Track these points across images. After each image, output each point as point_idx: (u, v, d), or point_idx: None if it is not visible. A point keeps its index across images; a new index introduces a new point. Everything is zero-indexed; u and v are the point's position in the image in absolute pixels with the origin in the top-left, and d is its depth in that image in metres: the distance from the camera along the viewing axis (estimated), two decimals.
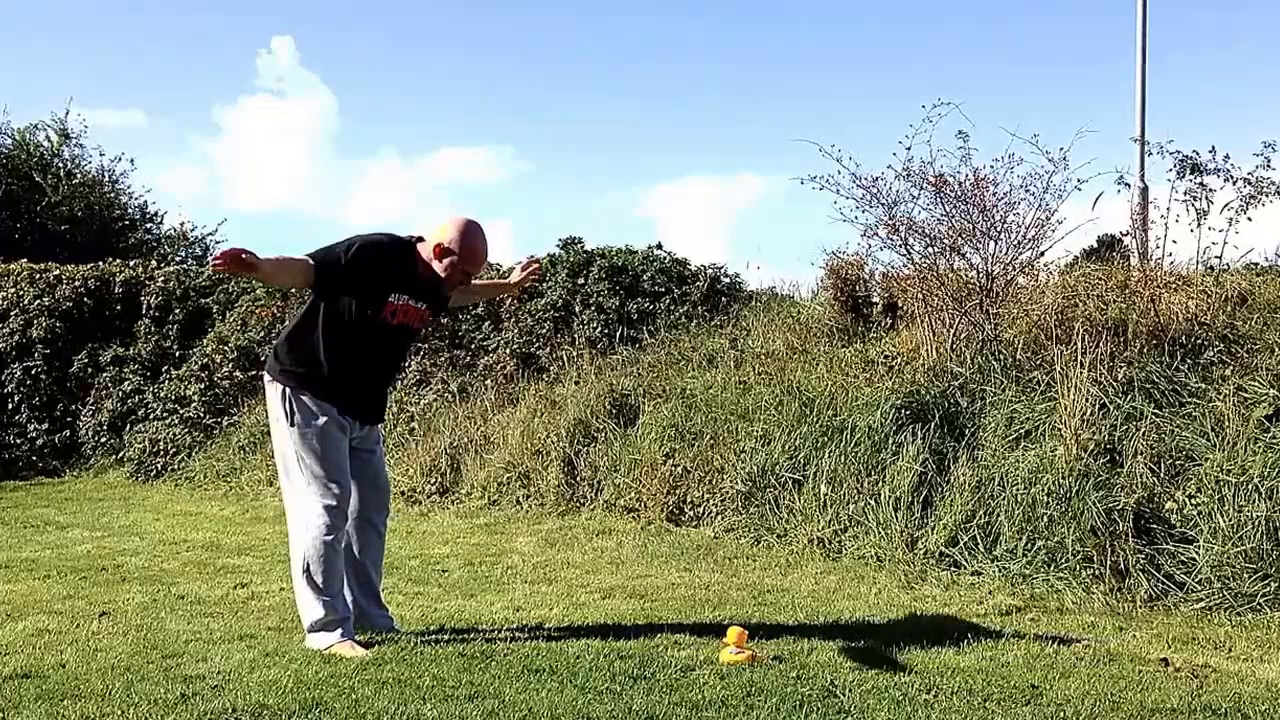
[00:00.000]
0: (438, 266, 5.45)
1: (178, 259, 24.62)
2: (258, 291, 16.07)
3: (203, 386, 15.32)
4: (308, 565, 5.38)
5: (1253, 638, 5.74)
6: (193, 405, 15.18)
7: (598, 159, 54.30)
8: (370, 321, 5.38)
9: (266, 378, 5.59)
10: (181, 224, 27.50)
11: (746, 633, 5.23)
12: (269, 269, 5.09)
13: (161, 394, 15.72)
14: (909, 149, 9.89)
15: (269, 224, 51.54)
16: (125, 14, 51.58)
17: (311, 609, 5.43)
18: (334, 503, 5.38)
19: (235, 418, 14.71)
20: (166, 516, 11.41)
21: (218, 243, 27.28)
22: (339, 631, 5.39)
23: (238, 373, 15.20)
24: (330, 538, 5.37)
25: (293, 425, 5.39)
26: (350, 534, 5.63)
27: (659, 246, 13.94)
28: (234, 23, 52.19)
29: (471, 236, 5.45)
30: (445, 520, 10.43)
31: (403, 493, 11.33)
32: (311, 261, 5.24)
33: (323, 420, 5.39)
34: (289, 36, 52.94)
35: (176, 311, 16.60)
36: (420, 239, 5.53)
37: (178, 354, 16.28)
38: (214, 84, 53.90)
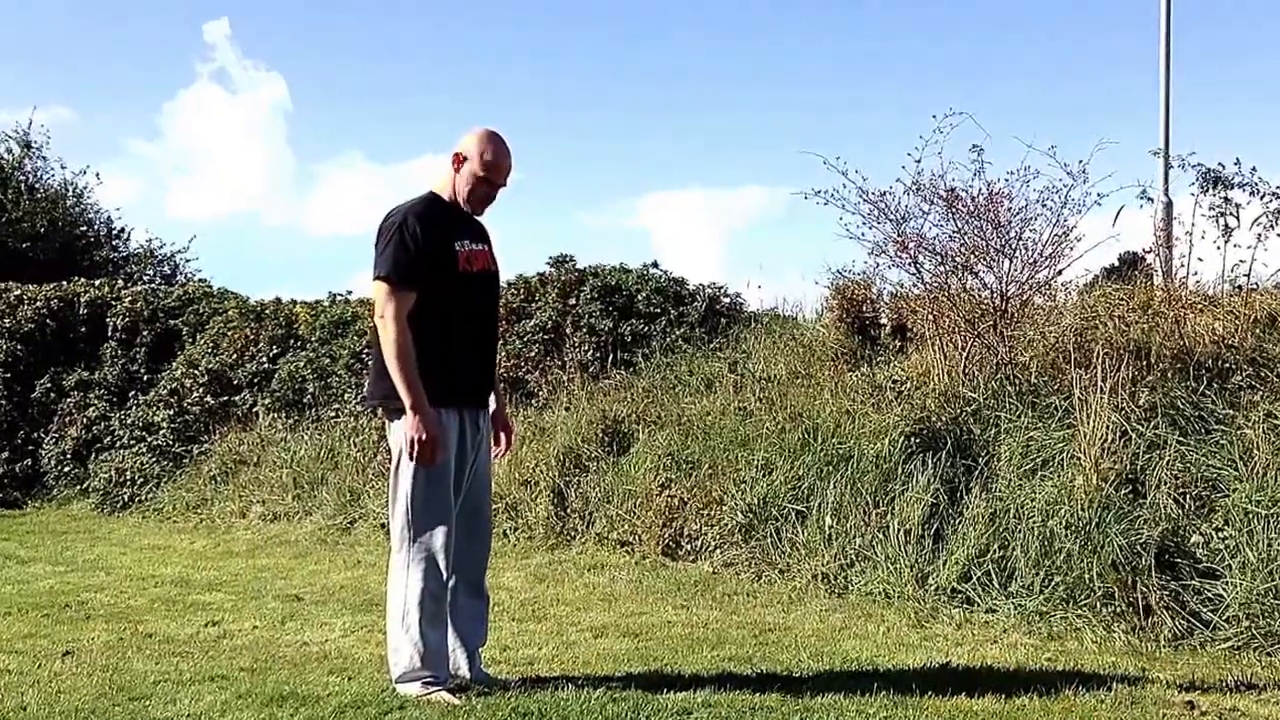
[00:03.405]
0: (459, 184, 5.46)
1: (145, 278, 24.61)
2: (230, 313, 16.10)
3: (172, 413, 15.32)
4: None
5: None
6: (161, 432, 15.17)
7: (588, 169, 54.24)
8: (455, 284, 5.36)
9: (381, 415, 5.71)
10: (149, 241, 27.51)
11: None
12: (407, 369, 5.20)
13: (128, 421, 15.71)
14: (919, 161, 9.91)
15: (219, 233, 50.73)
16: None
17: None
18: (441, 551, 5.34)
19: (206, 446, 14.70)
20: (134, 550, 11.41)
21: (188, 260, 27.30)
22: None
23: (209, 398, 15.21)
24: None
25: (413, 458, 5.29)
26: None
27: (655, 265, 13.98)
28: (171, 4, 50.85)
29: (488, 139, 5.46)
30: None
31: (383, 525, 11.31)
32: (391, 287, 5.24)
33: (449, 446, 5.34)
34: (225, 19, 51.83)
35: (144, 333, 16.61)
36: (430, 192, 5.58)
37: (145, 378, 16.29)
38: (151, 76, 52.63)
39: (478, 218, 5.58)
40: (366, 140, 56.49)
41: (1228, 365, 8.21)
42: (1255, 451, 7.26)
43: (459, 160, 5.46)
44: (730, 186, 59.49)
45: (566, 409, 11.75)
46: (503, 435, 5.82)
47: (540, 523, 10.36)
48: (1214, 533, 6.90)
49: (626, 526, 9.73)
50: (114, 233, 27.57)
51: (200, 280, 22.97)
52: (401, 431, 5.26)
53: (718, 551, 9.02)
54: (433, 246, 5.29)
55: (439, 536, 5.28)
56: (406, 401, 5.15)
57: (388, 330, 5.19)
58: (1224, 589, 6.61)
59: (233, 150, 56.31)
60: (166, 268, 27.01)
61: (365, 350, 14.25)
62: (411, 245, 5.24)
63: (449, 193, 5.49)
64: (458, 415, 5.39)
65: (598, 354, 12.96)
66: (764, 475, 9.18)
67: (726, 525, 9.08)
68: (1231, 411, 7.72)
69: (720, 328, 13.17)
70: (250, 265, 48.57)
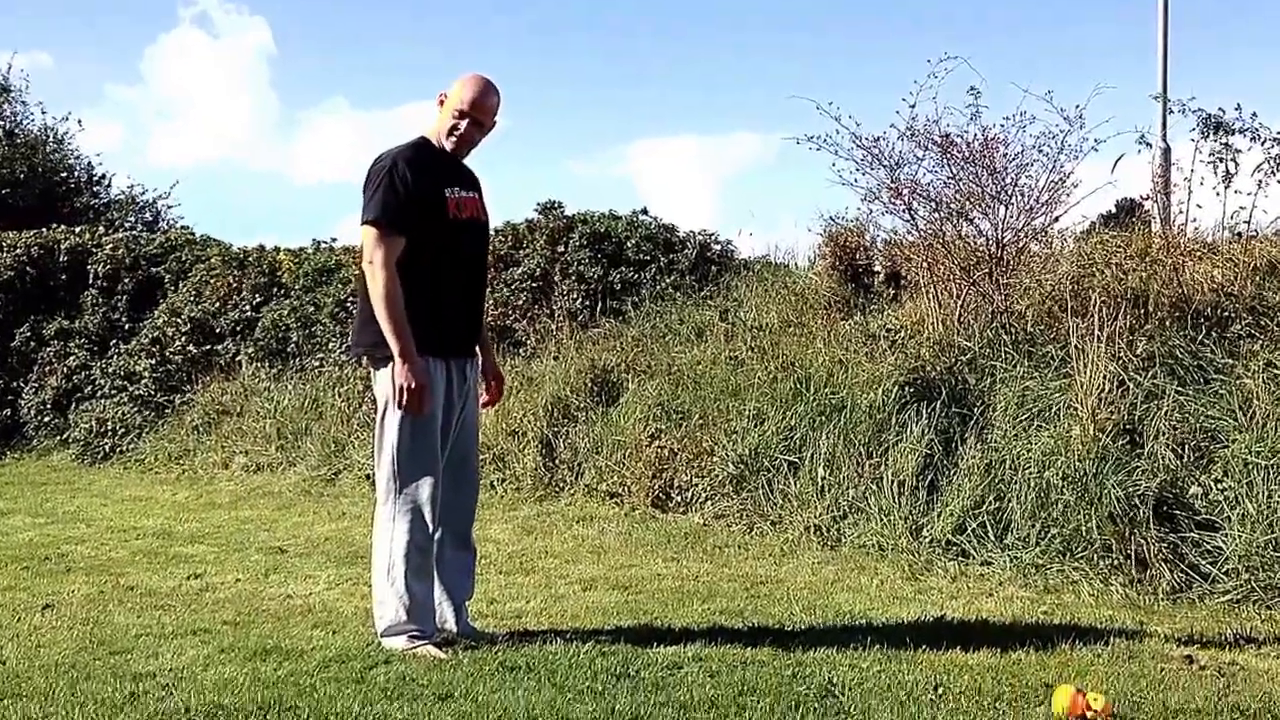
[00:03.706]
0: (443, 126, 5.36)
1: (127, 225, 24.42)
2: (212, 260, 15.98)
3: (154, 362, 15.21)
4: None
5: None
6: (143, 382, 15.08)
7: (577, 117, 53.97)
8: (444, 231, 5.27)
9: (366, 364, 5.54)
10: (131, 187, 27.29)
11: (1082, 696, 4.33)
12: (396, 316, 5.10)
13: (109, 370, 15.62)
14: (913, 107, 9.83)
15: (202, 179, 50.24)
16: None
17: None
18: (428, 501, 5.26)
19: (188, 395, 14.61)
20: (115, 502, 11.36)
21: (170, 207, 27.09)
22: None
23: (191, 347, 15.12)
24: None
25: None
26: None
27: (644, 211, 13.87)
28: None
29: (472, 78, 5.37)
30: None
31: (368, 476, 11.25)
32: (381, 232, 5.14)
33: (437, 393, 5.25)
34: None
35: (126, 281, 16.49)
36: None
37: (127, 327, 16.18)
38: (132, 20, 51.76)
39: (464, 161, 5.47)
40: (352, 87, 56.22)
41: (1227, 314, 8.15)
42: (1255, 401, 7.21)
43: (442, 99, 5.39)
44: (721, 133, 59.33)
45: (555, 358, 11.68)
46: (493, 384, 5.75)
47: (528, 474, 10.31)
48: (1213, 484, 6.86)
49: (616, 478, 9.67)
50: (95, 179, 27.37)
51: (183, 227, 22.82)
52: (388, 380, 5.17)
53: (708, 503, 8.97)
54: (423, 192, 5.20)
55: (425, 488, 5.21)
56: (395, 349, 5.07)
57: (376, 276, 5.10)
58: (1223, 541, 6.57)
59: (215, 95, 55.93)
60: (148, 214, 26.81)
61: (350, 298, 14.15)
62: (401, 189, 5.15)
63: (438, 138, 5.39)
64: (444, 365, 5.31)
65: (586, 302, 12.88)
66: (755, 426, 9.12)
67: (717, 476, 9.02)
68: (1231, 361, 7.67)
69: (711, 275, 13.08)
70: (233, 212, 48.50)
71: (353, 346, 5.72)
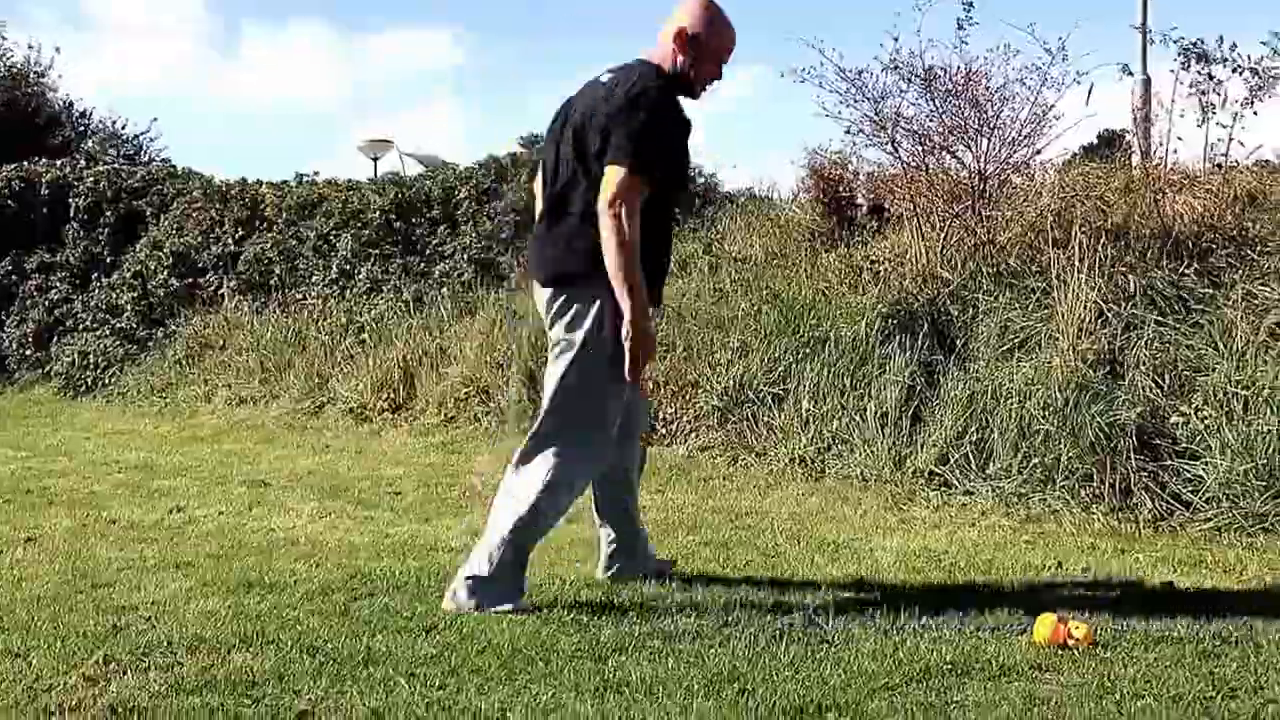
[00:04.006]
0: (698, 71, 4.81)
1: (107, 159, 24.24)
2: (194, 193, 15.86)
3: (136, 295, 15.16)
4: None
5: (1264, 560, 5.72)
6: (125, 315, 15.03)
7: (553, 43, 53.46)
8: (677, 184, 4.98)
9: (573, 291, 4.77)
10: (113, 121, 27.09)
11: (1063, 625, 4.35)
12: (634, 276, 4.56)
13: (91, 303, 15.56)
14: (896, 40, 9.75)
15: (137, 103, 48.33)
16: None
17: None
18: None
19: (171, 329, 14.56)
20: (97, 435, 11.33)
21: (152, 140, 26.91)
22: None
23: (173, 280, 15.05)
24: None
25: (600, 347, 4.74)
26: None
27: None
28: None
29: (724, 19, 4.83)
30: (398, 439, 10.37)
31: (351, 409, 11.25)
32: (637, 178, 4.56)
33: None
34: None
35: (107, 214, 16.37)
36: (644, 61, 4.86)
37: (109, 260, 16.09)
38: None
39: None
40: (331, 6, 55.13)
41: (1207, 244, 8.13)
42: (1235, 331, 7.22)
43: (683, 38, 4.77)
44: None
45: None
46: None
47: (512, 405, 10.28)
48: (1193, 413, 6.87)
49: None
50: (75, 113, 27.16)
51: (164, 160, 22.65)
52: (595, 323, 4.70)
53: (693, 435, 8.96)
54: (679, 144, 4.78)
55: (600, 437, 4.86)
56: (628, 310, 4.59)
57: (622, 225, 4.52)
58: (1204, 470, 6.59)
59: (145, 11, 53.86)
60: (130, 149, 26.63)
61: (333, 232, 14.08)
62: (665, 140, 4.69)
63: (684, 78, 4.82)
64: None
65: None
66: (740, 358, 9.10)
67: (702, 409, 9.02)
68: (1211, 291, 7.67)
69: (695, 209, 13.01)
70: (199, 137, 47.18)
71: (550, 265, 4.89)
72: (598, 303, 4.69)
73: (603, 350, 4.71)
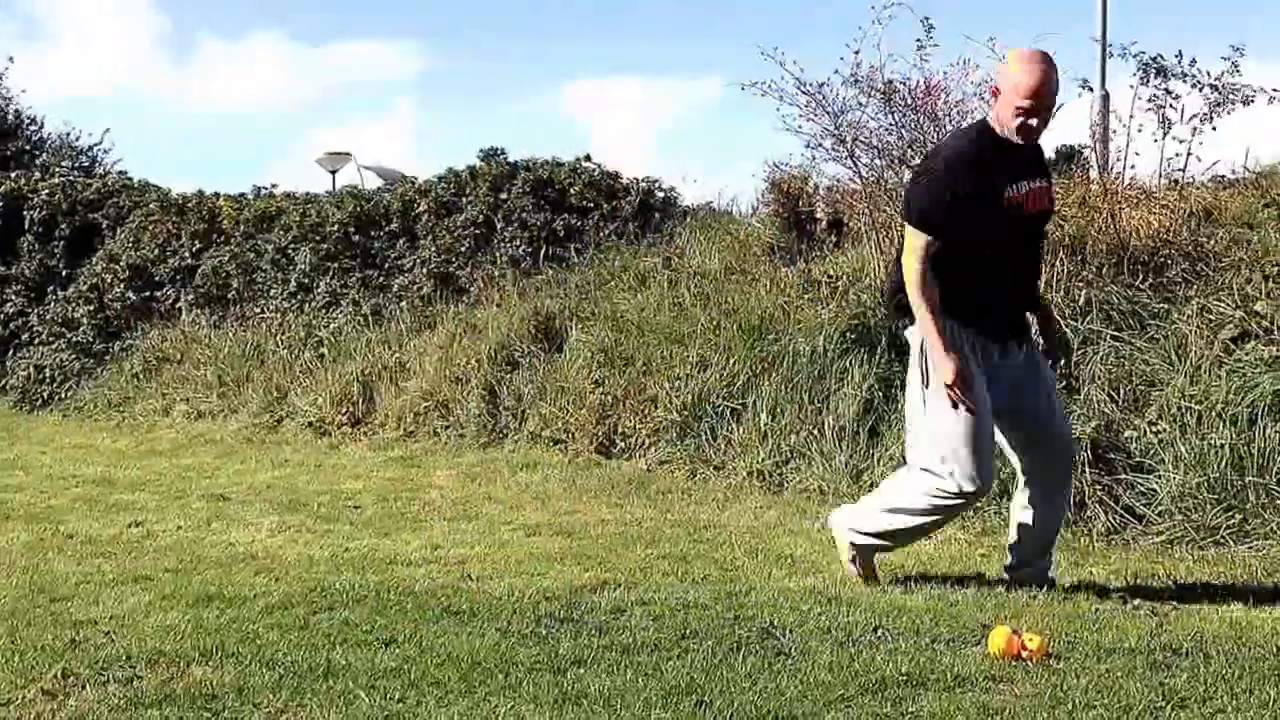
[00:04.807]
0: (1005, 118, 5.02)
1: (62, 170, 24.12)
2: (151, 206, 15.81)
3: (92, 308, 15.12)
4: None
5: (1215, 572, 5.81)
6: (82, 329, 14.98)
7: (515, 55, 53.36)
8: (995, 226, 5.06)
9: (899, 326, 5.49)
10: (67, 133, 26.96)
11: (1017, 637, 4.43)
12: (925, 309, 5.01)
13: (47, 316, 15.52)
14: (857, 53, 9.81)
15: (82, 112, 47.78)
16: None
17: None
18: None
19: (128, 342, 14.55)
20: (53, 449, 11.29)
21: (106, 151, 26.78)
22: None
23: (130, 294, 15.00)
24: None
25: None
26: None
27: (588, 158, 13.81)
28: None
29: (1029, 66, 4.96)
30: (357, 453, 10.37)
31: (310, 423, 11.25)
32: (917, 229, 5.03)
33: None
34: None
35: (63, 227, 16.32)
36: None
37: (64, 273, 16.05)
38: None
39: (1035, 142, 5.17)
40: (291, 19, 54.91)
41: (1163, 260, 8.23)
42: (1189, 346, 7.30)
43: (995, 93, 5.10)
44: (662, 76, 59.09)
45: (498, 305, 11.66)
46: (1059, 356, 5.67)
47: (472, 420, 10.31)
48: (1147, 427, 6.95)
49: (559, 424, 9.69)
50: (28, 122, 27.00)
51: (120, 173, 22.56)
52: (919, 354, 5.17)
53: (652, 449, 9.01)
54: (974, 191, 4.98)
55: (963, 460, 5.10)
56: (927, 341, 5.04)
57: (908, 267, 5.03)
58: (1157, 483, 6.67)
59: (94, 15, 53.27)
60: (85, 160, 26.51)
61: (291, 245, 14.07)
62: (946, 196, 4.98)
63: (1000, 128, 5.06)
64: (981, 349, 5.20)
65: (530, 249, 12.82)
66: (699, 372, 9.15)
67: (661, 423, 9.06)
68: (1166, 306, 7.76)
69: (654, 223, 13.04)
70: (148, 146, 46.75)
71: (890, 299, 5.44)
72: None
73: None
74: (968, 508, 5.52)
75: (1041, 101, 4.95)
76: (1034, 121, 4.97)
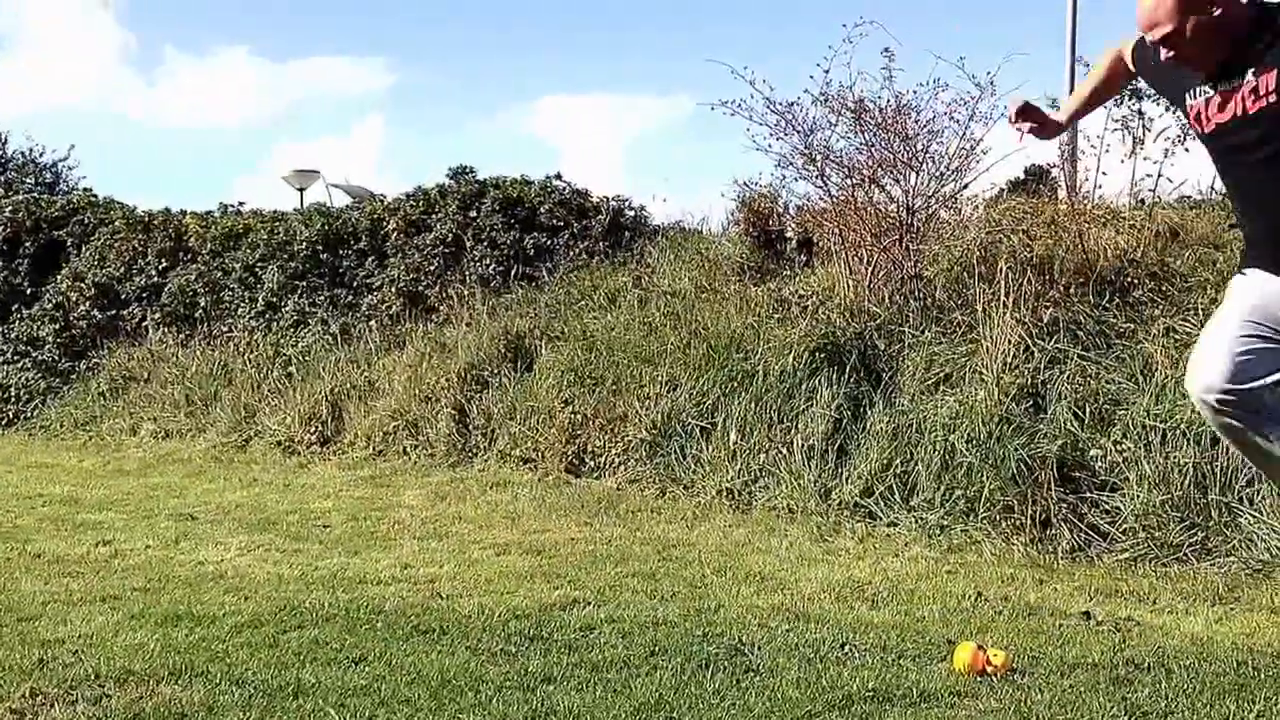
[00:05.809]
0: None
1: (25, 187, 24.07)
2: (116, 224, 15.78)
3: (58, 327, 15.08)
4: None
5: (1178, 589, 5.89)
6: (47, 347, 14.95)
7: (481, 72, 53.36)
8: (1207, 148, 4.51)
9: None
10: (30, 149, 26.90)
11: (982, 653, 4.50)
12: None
13: (12, 335, 15.46)
14: (827, 72, 9.89)
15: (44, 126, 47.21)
16: None
17: None
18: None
19: (94, 361, 14.52)
20: (20, 468, 11.27)
21: (70, 167, 26.74)
22: None
23: (96, 312, 14.97)
24: None
25: None
26: None
27: (558, 176, 13.86)
28: None
29: None
30: (326, 472, 10.39)
31: (279, 442, 11.27)
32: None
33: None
34: None
35: (27, 244, 16.24)
36: None
37: (29, 292, 15.96)
38: None
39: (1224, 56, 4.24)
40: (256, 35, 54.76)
41: (1130, 279, 8.33)
42: (1154, 365, 7.41)
43: None
44: (631, 94, 59.19)
45: (468, 324, 11.70)
46: None
47: (441, 440, 10.35)
48: (1112, 446, 7.05)
49: (529, 443, 9.74)
50: None
51: (85, 189, 22.52)
52: None
53: (622, 468, 9.07)
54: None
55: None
56: None
57: None
58: (1121, 501, 6.76)
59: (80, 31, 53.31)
60: (48, 175, 26.46)
61: (259, 263, 14.08)
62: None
63: None
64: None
65: (500, 268, 12.87)
66: (668, 391, 9.22)
67: (630, 442, 9.12)
68: (1132, 325, 7.86)
69: (624, 242, 13.10)
70: (114, 162, 46.47)
71: None
72: None
73: None
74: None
75: (1150, 33, 4.27)
76: (1164, 50, 4.26)
